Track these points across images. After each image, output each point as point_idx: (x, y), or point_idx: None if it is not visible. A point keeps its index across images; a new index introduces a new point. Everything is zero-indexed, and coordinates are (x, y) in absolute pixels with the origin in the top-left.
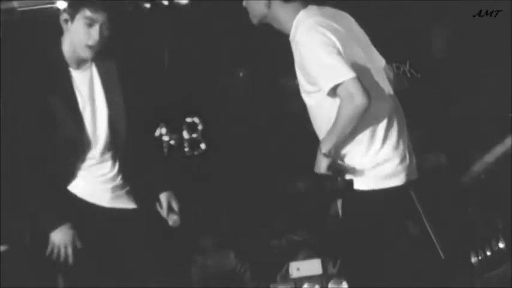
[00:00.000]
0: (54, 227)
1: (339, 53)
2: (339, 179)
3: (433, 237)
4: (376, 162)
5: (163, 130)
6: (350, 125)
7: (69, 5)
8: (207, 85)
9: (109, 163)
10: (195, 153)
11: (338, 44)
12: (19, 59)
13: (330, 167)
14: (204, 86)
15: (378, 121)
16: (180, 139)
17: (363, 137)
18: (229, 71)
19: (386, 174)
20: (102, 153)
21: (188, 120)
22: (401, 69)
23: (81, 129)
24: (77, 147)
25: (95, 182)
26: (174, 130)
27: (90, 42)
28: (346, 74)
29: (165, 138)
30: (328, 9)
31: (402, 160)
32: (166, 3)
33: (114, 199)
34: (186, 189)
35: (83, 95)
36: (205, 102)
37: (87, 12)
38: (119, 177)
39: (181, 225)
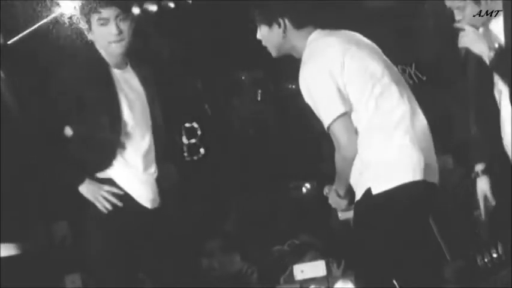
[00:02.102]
0: (81, 180)
1: (336, 81)
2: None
3: (439, 239)
4: (388, 161)
5: None
6: (349, 170)
7: (80, 16)
8: (207, 90)
9: (154, 164)
10: (195, 158)
11: (343, 65)
12: (67, 57)
13: (349, 203)
14: (204, 91)
15: (392, 125)
16: (179, 144)
17: (378, 141)
18: (229, 76)
19: (398, 171)
20: (146, 155)
21: (187, 125)
22: (407, 71)
23: (117, 118)
24: (109, 136)
25: (142, 180)
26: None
27: (112, 39)
28: (334, 113)
29: None
30: (337, 31)
31: (418, 159)
32: (172, 5)
33: (154, 200)
34: (190, 193)
35: (124, 93)
36: (204, 107)
37: (96, 15)
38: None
39: (188, 228)
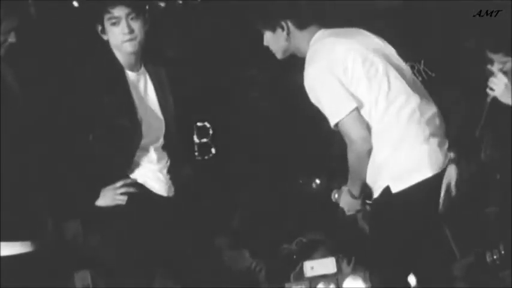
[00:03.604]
0: (97, 195)
1: (340, 80)
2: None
3: (449, 236)
4: (405, 159)
5: None
6: (363, 168)
7: (94, 17)
8: (218, 89)
9: (166, 157)
10: (206, 157)
11: (346, 63)
12: (82, 61)
13: (362, 203)
14: (215, 90)
15: (404, 122)
16: (191, 144)
17: (392, 140)
18: (240, 74)
19: (417, 168)
20: (159, 150)
21: (199, 124)
22: (416, 68)
23: (135, 122)
24: (130, 138)
25: (155, 170)
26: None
27: (125, 38)
28: (343, 110)
29: None
30: (341, 30)
31: (434, 152)
32: (180, 2)
33: (169, 189)
34: (200, 192)
35: (138, 96)
36: (215, 107)
37: (108, 15)
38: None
39: (197, 225)
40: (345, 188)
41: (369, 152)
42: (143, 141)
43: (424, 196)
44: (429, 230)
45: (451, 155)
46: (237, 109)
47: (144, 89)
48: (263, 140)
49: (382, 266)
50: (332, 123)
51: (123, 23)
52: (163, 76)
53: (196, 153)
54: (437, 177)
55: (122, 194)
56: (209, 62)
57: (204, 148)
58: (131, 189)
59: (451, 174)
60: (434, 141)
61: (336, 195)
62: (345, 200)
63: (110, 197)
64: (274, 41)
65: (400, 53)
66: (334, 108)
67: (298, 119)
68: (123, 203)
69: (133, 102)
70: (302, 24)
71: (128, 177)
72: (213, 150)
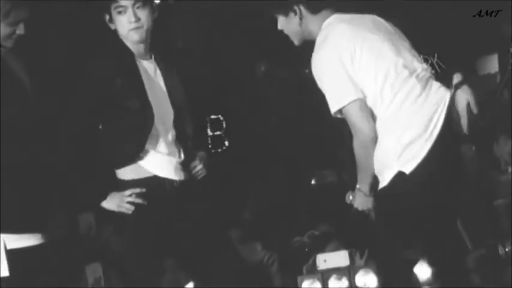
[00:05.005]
0: (103, 197)
1: (346, 68)
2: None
3: (461, 229)
4: (405, 145)
5: None
6: (368, 158)
7: (101, 6)
8: (231, 82)
9: (176, 152)
10: (219, 150)
11: (355, 51)
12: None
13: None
14: (228, 84)
15: (405, 107)
16: (204, 136)
17: (393, 125)
18: (252, 67)
19: (419, 150)
20: (170, 143)
21: (213, 117)
22: (429, 61)
23: (145, 104)
24: (141, 121)
25: (166, 158)
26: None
27: (131, 27)
28: (344, 99)
29: None
30: (353, 16)
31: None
32: None
33: (180, 175)
34: (212, 184)
35: (148, 83)
36: (229, 100)
37: (115, 3)
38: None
39: (208, 219)
40: (356, 188)
41: (373, 140)
42: (152, 131)
43: (434, 168)
44: (444, 208)
45: (458, 77)
46: (250, 102)
47: (154, 77)
48: (276, 132)
49: (392, 255)
50: (332, 110)
51: (130, 12)
52: (173, 66)
53: (209, 146)
54: (440, 142)
55: (128, 202)
56: (222, 55)
57: (217, 141)
58: (139, 200)
59: (467, 94)
60: (434, 113)
61: (351, 197)
62: (360, 199)
63: (116, 203)
64: (288, 26)
65: (414, 46)
66: (336, 96)
67: (311, 112)
68: (129, 212)
69: (144, 86)
70: (315, 9)
71: (137, 166)
72: (227, 143)
